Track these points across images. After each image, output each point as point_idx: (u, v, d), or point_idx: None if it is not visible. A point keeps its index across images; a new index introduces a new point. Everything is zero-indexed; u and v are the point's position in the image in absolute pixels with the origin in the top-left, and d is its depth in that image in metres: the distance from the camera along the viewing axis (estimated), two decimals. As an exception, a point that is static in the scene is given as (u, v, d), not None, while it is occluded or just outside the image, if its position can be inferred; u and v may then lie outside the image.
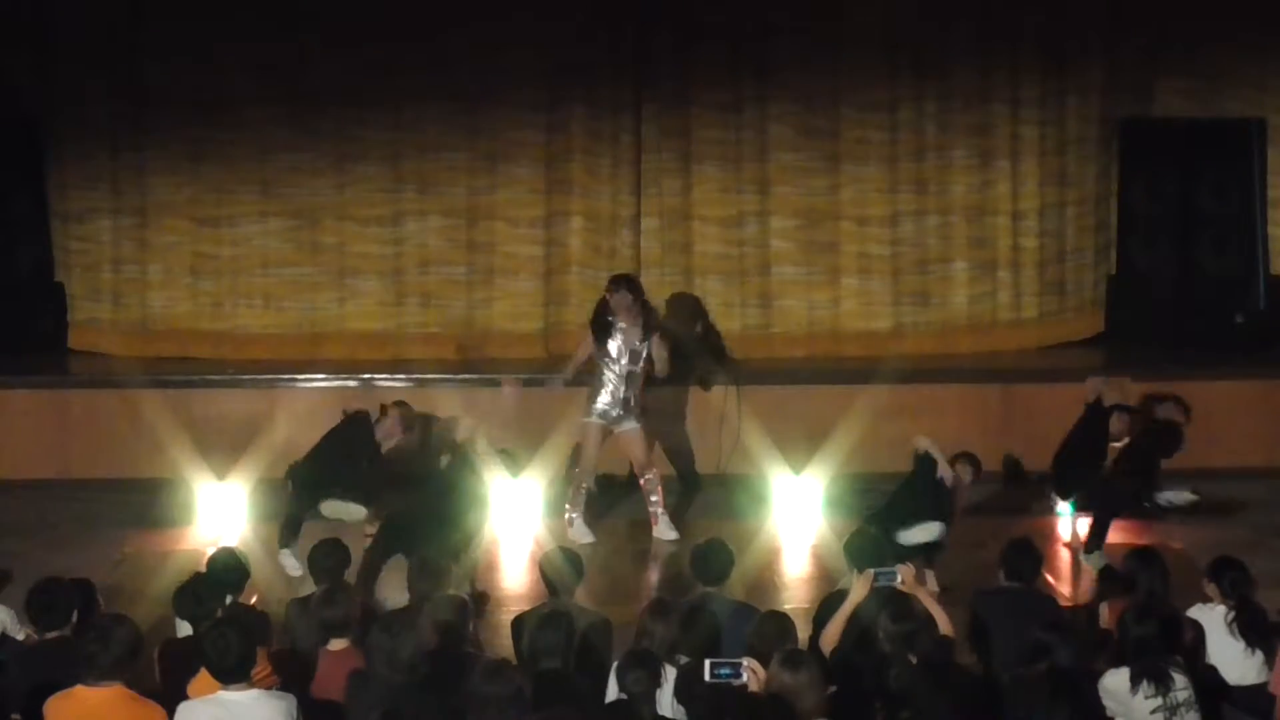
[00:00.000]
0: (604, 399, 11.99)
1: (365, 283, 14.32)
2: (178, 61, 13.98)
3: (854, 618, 8.33)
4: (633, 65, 14.25)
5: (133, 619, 7.68)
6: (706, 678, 7.39)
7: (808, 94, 14.35)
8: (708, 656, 7.64)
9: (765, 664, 7.46)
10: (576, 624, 8.20)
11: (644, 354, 11.97)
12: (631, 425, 12.05)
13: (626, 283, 12.07)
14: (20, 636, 8.80)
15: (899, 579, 8.42)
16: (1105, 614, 8.96)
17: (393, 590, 9.95)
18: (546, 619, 8.11)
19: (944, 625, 8.40)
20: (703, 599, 8.82)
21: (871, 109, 14.40)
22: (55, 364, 14.11)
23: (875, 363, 13.69)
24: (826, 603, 9.05)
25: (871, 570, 8.47)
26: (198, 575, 8.82)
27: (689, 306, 14.25)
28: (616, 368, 11.96)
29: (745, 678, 7.33)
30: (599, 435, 12.04)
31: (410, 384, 13.51)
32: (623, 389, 11.97)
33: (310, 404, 13.28)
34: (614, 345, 11.96)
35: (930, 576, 10.32)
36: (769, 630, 8.12)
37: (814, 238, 14.49)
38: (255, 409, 13.24)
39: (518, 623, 8.77)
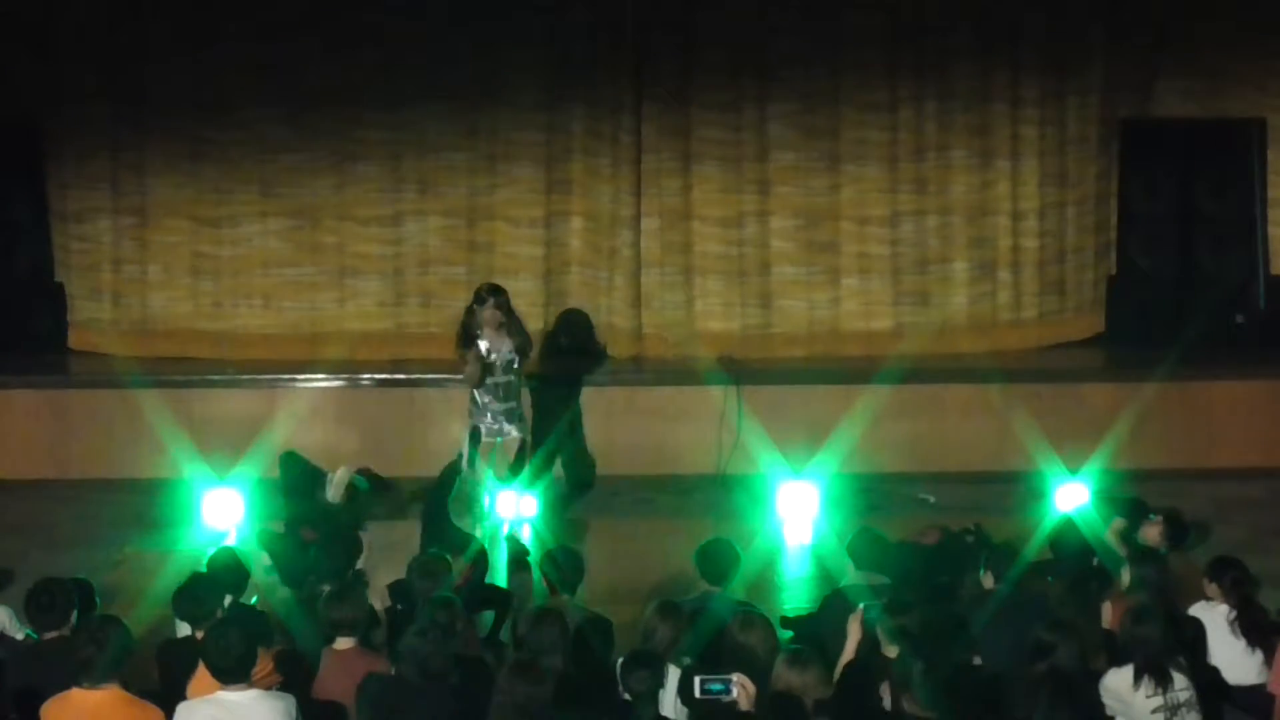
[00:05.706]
0: (486, 412, 11.73)
1: (365, 283, 14.31)
2: (177, 61, 13.97)
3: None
4: (633, 65, 14.22)
5: (123, 620, 7.67)
6: (696, 694, 7.31)
7: (808, 94, 14.33)
8: (712, 658, 7.63)
9: (754, 663, 7.46)
10: (573, 622, 8.20)
11: (515, 363, 11.70)
12: (513, 434, 11.87)
13: (495, 295, 11.69)
14: (19, 636, 8.79)
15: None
16: (1106, 614, 8.96)
17: None
18: (539, 616, 8.11)
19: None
20: (704, 598, 8.81)
21: (871, 109, 14.38)
22: (55, 364, 14.09)
23: (875, 363, 13.68)
24: (828, 604, 9.06)
25: (860, 608, 8.31)
26: (198, 575, 8.82)
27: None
28: (491, 380, 11.68)
29: (735, 694, 7.28)
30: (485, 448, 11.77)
31: (410, 384, 13.53)
32: (503, 399, 11.72)
33: (310, 404, 13.32)
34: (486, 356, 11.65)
35: None
36: (756, 629, 8.11)
37: (814, 238, 14.47)
38: (255, 409, 13.24)
39: (514, 622, 8.77)
